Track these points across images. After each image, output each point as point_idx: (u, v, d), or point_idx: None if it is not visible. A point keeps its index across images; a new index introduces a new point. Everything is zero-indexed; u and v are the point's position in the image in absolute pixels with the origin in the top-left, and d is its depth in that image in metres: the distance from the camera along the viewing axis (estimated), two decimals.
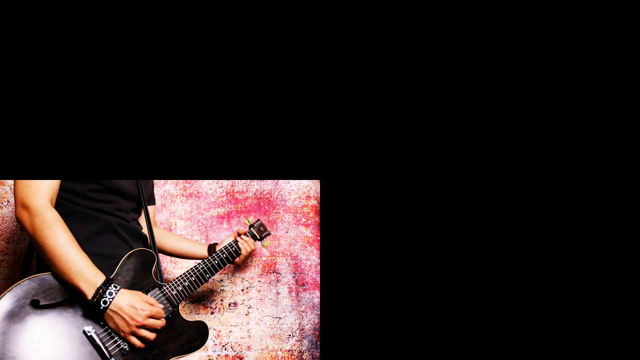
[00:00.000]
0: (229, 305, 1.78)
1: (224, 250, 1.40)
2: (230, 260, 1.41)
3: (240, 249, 1.44)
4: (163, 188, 1.83)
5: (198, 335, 1.21)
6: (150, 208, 1.47)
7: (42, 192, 1.02)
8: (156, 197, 1.85)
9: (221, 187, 1.86)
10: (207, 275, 1.31)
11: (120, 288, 1.03)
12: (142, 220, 1.39)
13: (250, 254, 1.55)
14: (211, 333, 1.75)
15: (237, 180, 1.87)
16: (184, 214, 1.82)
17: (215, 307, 1.77)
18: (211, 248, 1.47)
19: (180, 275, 1.24)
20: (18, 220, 1.03)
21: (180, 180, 1.84)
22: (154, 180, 1.81)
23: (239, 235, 1.48)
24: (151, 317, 1.06)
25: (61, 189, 1.09)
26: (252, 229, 1.54)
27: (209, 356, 1.73)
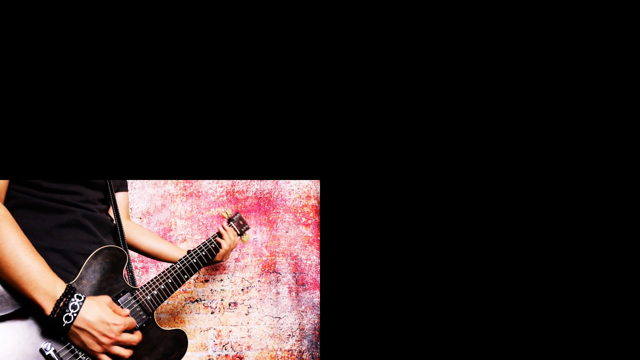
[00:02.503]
0: (229, 305, 1.78)
1: (203, 247, 1.27)
2: (209, 257, 1.29)
3: (220, 244, 1.33)
4: (163, 188, 1.83)
5: (175, 346, 1.06)
6: (120, 195, 1.29)
7: None
8: (156, 197, 1.85)
9: (221, 186, 1.86)
10: (185, 277, 1.17)
11: (84, 298, 0.86)
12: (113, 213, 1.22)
13: (231, 249, 1.40)
14: (211, 333, 1.76)
15: (237, 180, 1.87)
16: (184, 214, 1.82)
17: (216, 307, 1.78)
18: (191, 251, 1.31)
19: (155, 278, 1.10)
20: None
21: (180, 180, 1.84)
22: (157, 183, 1.81)
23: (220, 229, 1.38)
24: (125, 331, 0.90)
25: (15, 181, 0.95)
26: (231, 222, 1.43)
27: (209, 356, 1.73)
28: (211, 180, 1.85)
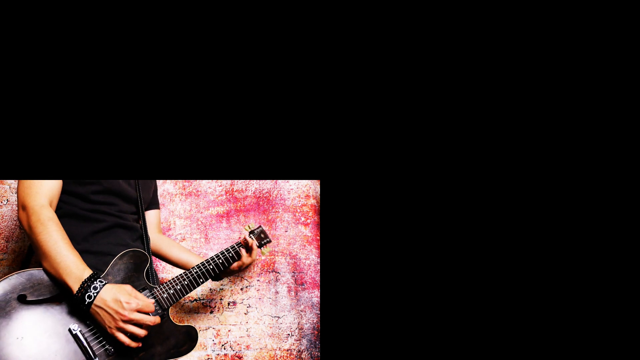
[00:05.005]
0: (228, 304, 1.78)
1: (220, 256, 1.31)
2: (226, 265, 1.32)
3: (239, 256, 1.33)
4: (162, 187, 1.83)
5: (186, 339, 1.16)
6: (153, 212, 1.47)
7: (41, 192, 1.04)
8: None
9: (220, 186, 1.86)
10: (201, 280, 1.25)
11: (106, 283, 1.00)
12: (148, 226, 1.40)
13: (251, 262, 1.38)
14: (210, 332, 1.76)
15: (236, 180, 1.87)
16: (183, 213, 1.82)
17: (215, 306, 1.78)
18: (210, 259, 1.34)
19: (173, 279, 1.19)
20: (19, 220, 1.04)
21: (179, 180, 1.84)
22: (157, 183, 1.81)
23: (243, 242, 1.36)
24: (139, 311, 1.00)
25: (64, 191, 1.11)
26: (252, 235, 1.41)
27: (208, 355, 1.73)
28: (210, 180, 1.85)
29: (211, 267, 1.28)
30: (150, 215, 1.46)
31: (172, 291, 1.17)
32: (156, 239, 1.47)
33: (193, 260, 1.44)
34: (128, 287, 1.03)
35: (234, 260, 1.33)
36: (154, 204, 1.48)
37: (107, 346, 1.01)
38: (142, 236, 1.28)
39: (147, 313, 1.02)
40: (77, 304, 0.98)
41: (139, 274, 1.13)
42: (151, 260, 1.19)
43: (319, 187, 1.88)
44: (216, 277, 1.36)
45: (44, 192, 1.05)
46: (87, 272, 0.99)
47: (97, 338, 1.01)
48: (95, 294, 0.97)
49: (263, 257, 1.82)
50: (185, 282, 1.21)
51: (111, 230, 1.16)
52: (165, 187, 1.83)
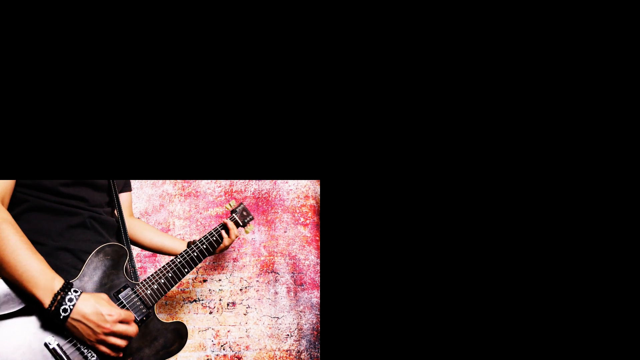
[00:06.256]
0: (228, 305, 1.78)
1: (204, 241, 1.28)
2: (210, 250, 1.30)
3: (222, 238, 1.34)
4: (162, 188, 1.83)
5: (175, 338, 1.09)
6: (124, 195, 1.35)
7: None
8: (155, 197, 1.85)
9: (219, 186, 1.86)
10: (186, 270, 1.19)
11: (81, 292, 0.90)
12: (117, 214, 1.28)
13: (232, 242, 1.42)
14: (209, 333, 1.75)
15: (235, 180, 1.87)
16: (183, 214, 1.82)
17: (214, 307, 1.77)
18: (191, 243, 1.32)
19: (155, 272, 1.12)
20: None
21: (178, 180, 1.84)
22: (155, 183, 1.81)
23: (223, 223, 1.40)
24: (121, 322, 0.93)
25: (26, 185, 1.00)
26: (234, 214, 1.44)
27: (207, 356, 1.73)
28: (209, 180, 1.85)
29: (195, 254, 1.24)
30: (122, 198, 1.33)
31: (155, 286, 1.09)
32: (129, 225, 1.37)
33: (167, 243, 1.40)
34: (105, 296, 0.95)
35: (218, 244, 1.33)
36: (127, 186, 1.37)
37: (89, 357, 0.92)
38: (120, 228, 1.18)
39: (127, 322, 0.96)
40: (51, 318, 0.88)
41: (118, 271, 1.03)
42: (131, 253, 1.10)
43: (318, 187, 1.88)
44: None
45: None
46: (58, 281, 0.88)
47: (77, 349, 0.91)
48: (71, 307, 0.88)
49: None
50: (170, 274, 1.14)
51: (85, 225, 1.06)
52: (165, 188, 1.83)
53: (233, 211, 1.45)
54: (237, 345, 1.75)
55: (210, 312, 1.77)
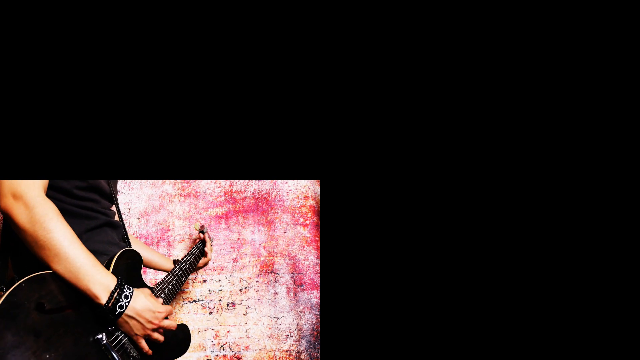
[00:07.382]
0: (227, 305, 1.78)
1: (191, 254, 1.44)
2: (195, 264, 1.47)
3: (204, 252, 1.54)
4: (161, 188, 1.83)
5: (184, 337, 1.19)
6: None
7: (37, 182, 0.91)
8: (154, 197, 1.85)
9: (219, 187, 1.86)
10: (183, 279, 1.32)
11: (133, 289, 0.95)
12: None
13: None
14: (209, 333, 1.75)
15: (235, 180, 1.87)
16: (182, 214, 1.82)
17: (214, 307, 1.77)
18: (176, 262, 1.41)
19: (163, 279, 1.21)
20: (5, 211, 0.89)
21: (178, 180, 1.84)
22: (155, 183, 1.81)
23: (199, 239, 1.59)
24: (165, 317, 1.01)
25: (48, 186, 1.00)
26: (202, 234, 1.62)
27: (207, 356, 1.73)
28: (209, 181, 1.85)
29: (187, 265, 1.38)
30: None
31: (166, 291, 1.18)
32: None
33: (157, 260, 1.51)
34: (148, 291, 1.00)
35: (202, 256, 1.53)
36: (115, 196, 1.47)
37: (132, 353, 0.96)
38: (124, 234, 1.23)
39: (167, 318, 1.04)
40: (105, 313, 0.90)
41: (137, 274, 1.10)
42: (142, 259, 1.17)
43: (318, 188, 1.88)
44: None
45: (39, 181, 0.92)
46: (111, 278, 0.92)
47: (122, 346, 0.95)
48: (126, 304, 0.91)
49: (263, 250, 1.85)
50: (174, 282, 1.24)
51: (102, 228, 1.10)
52: (164, 188, 1.83)
53: (201, 231, 1.63)
54: (237, 345, 1.75)
55: (210, 313, 1.77)
